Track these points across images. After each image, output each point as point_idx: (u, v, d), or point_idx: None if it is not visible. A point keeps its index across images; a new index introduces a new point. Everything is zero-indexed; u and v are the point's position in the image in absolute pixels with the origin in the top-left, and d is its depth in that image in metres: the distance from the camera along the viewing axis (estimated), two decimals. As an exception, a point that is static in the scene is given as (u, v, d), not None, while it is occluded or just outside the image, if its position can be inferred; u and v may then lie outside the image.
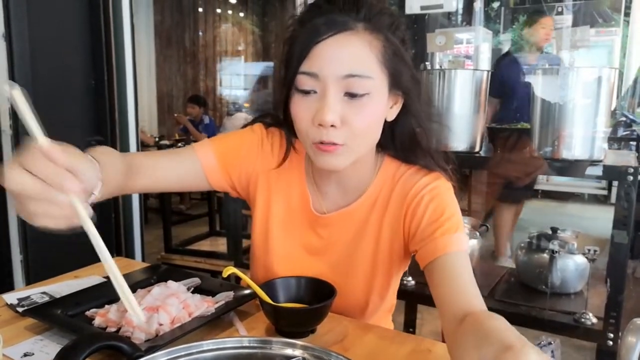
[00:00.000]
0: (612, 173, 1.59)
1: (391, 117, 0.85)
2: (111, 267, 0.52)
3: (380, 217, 0.92)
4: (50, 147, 0.49)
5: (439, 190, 0.88)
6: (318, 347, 0.57)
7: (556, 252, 1.66)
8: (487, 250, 2.92)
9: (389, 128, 0.88)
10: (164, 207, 3.42)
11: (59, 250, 1.82)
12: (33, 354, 0.76)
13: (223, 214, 3.68)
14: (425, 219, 0.85)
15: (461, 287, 0.73)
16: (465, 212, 2.99)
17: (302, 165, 0.96)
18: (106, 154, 0.72)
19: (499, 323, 0.49)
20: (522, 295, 1.76)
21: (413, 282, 1.84)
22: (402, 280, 1.83)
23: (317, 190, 0.95)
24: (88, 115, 2.40)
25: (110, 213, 2.48)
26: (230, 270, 0.81)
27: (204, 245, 3.08)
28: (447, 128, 1.67)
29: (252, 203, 0.99)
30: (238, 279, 0.92)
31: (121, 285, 0.52)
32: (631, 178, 1.50)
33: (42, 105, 2.15)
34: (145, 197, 3.98)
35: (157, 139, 5.23)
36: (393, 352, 0.80)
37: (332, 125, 0.76)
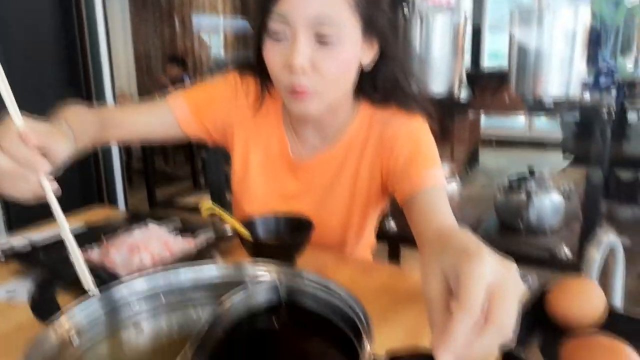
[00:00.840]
0: (588, 112, 1.61)
1: (366, 60, 0.85)
2: (69, 240, 0.54)
3: (358, 159, 0.93)
4: (24, 130, 0.53)
5: (414, 129, 0.89)
6: (292, 269, 0.58)
7: (533, 191, 1.70)
8: (468, 195, 2.96)
9: (369, 74, 0.88)
10: (147, 168, 3.39)
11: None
12: (15, 290, 0.78)
13: (207, 170, 3.67)
14: (402, 156, 0.87)
15: (439, 217, 0.75)
16: (447, 159, 3.01)
17: (280, 112, 0.97)
18: (78, 114, 0.78)
19: (462, 234, 0.48)
20: (501, 235, 1.81)
21: (394, 225, 1.88)
22: (383, 222, 1.86)
23: (295, 136, 0.96)
24: (62, 73, 2.35)
25: (90, 166, 2.46)
26: (208, 206, 0.82)
27: (189, 199, 3.09)
28: (427, 69, 1.66)
29: (231, 151, 1.00)
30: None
31: (77, 258, 0.53)
32: (606, 117, 1.53)
33: (15, 64, 2.10)
34: (127, 158, 3.94)
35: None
36: (370, 280, 0.83)
37: (303, 71, 0.76)
